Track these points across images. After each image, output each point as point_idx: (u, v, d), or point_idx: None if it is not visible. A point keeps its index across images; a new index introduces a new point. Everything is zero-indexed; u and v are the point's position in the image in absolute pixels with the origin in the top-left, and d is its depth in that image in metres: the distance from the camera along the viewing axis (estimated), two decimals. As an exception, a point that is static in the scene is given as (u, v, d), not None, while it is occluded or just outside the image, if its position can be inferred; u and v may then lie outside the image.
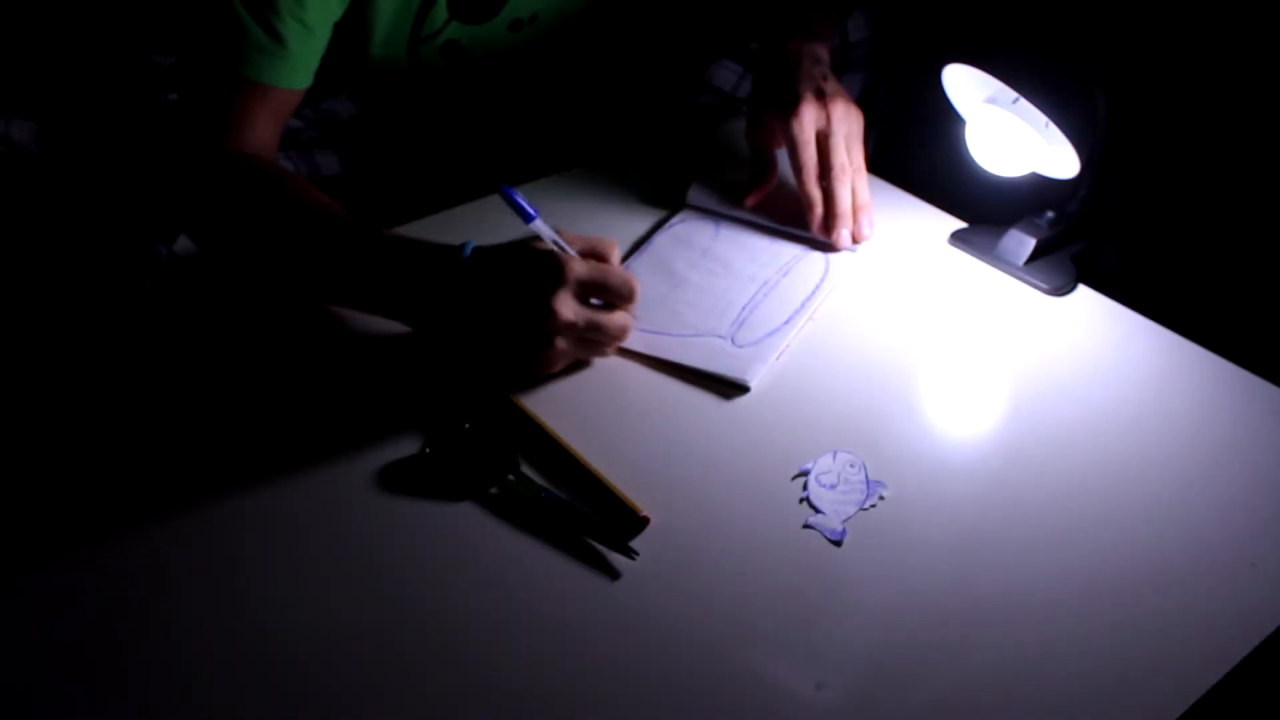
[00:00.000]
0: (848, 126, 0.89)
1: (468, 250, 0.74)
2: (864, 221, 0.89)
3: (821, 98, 0.89)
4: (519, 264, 0.73)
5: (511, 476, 0.68)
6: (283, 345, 0.79)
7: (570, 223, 0.79)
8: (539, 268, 0.72)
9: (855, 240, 0.89)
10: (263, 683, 0.57)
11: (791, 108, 0.88)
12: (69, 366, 0.77)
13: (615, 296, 0.75)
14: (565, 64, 1.11)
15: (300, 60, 0.82)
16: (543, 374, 0.75)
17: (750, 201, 0.93)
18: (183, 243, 0.91)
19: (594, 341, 0.75)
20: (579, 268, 0.72)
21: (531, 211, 0.76)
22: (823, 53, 0.94)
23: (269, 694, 0.56)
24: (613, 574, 0.63)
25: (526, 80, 1.10)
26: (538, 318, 0.71)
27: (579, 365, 0.78)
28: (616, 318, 0.75)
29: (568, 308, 0.71)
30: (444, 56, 0.98)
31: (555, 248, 0.75)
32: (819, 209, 0.89)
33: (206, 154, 0.81)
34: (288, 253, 0.79)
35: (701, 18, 1.13)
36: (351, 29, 0.89)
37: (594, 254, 0.78)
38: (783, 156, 0.92)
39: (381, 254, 0.76)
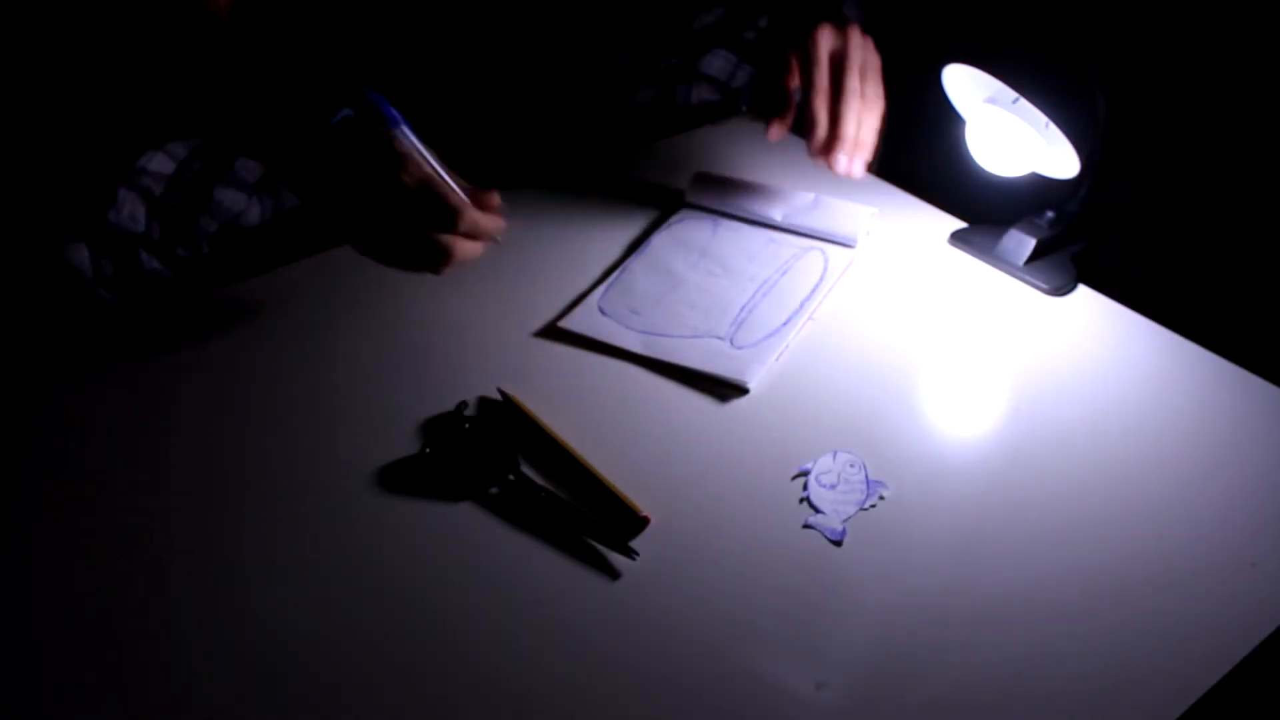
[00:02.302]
0: (864, 56, 0.87)
1: (336, 118, 0.73)
2: (858, 160, 0.87)
3: (840, 28, 0.87)
4: (366, 149, 0.72)
5: (511, 476, 0.68)
6: (283, 345, 0.79)
7: (570, 222, 0.79)
8: (382, 152, 0.72)
9: (848, 174, 0.87)
10: (263, 683, 0.57)
11: (808, 33, 0.86)
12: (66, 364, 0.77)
13: (447, 209, 0.73)
14: (562, 63, 1.11)
15: None
16: (396, 260, 0.74)
17: (773, 135, 0.91)
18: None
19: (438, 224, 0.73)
20: (421, 169, 0.72)
21: (396, 116, 0.76)
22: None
23: (269, 694, 0.56)
24: (613, 574, 0.63)
25: (525, 79, 1.10)
26: (370, 189, 0.71)
27: (576, 366, 0.78)
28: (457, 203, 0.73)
29: (398, 187, 0.71)
30: None
31: (421, 158, 0.75)
32: (823, 130, 0.86)
33: None
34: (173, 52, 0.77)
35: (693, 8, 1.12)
36: None
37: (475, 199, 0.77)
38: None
39: (249, 92, 0.75)
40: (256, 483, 0.68)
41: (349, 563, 0.63)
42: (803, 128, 0.88)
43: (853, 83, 0.86)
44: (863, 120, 0.86)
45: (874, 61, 0.88)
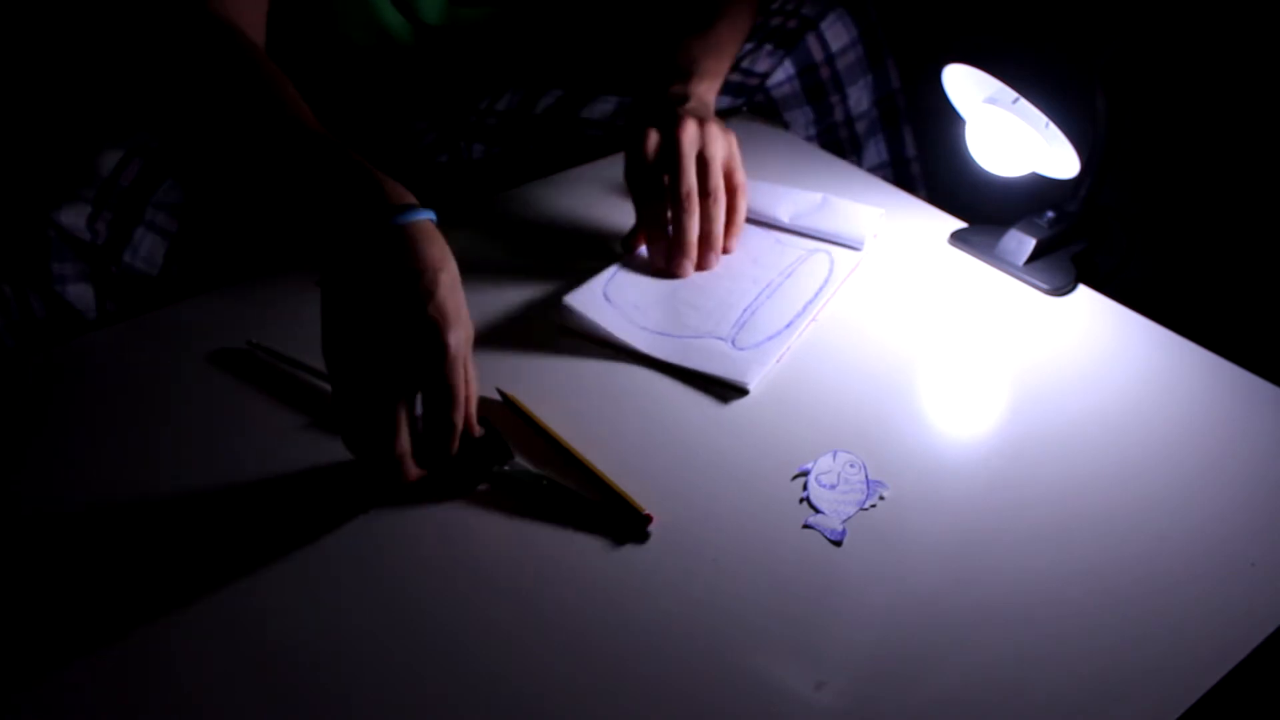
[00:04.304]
0: (724, 149, 0.85)
1: (405, 218, 0.62)
2: (710, 256, 0.86)
3: (700, 120, 0.85)
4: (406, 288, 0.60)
5: (506, 467, 0.68)
6: (281, 344, 0.79)
7: (571, 222, 0.79)
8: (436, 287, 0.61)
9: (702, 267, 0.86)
10: (263, 683, 0.57)
11: (673, 127, 0.84)
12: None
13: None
14: (559, 61, 1.11)
15: None
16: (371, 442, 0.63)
17: (636, 247, 0.89)
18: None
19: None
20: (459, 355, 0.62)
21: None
22: (707, 95, 0.91)
23: (269, 694, 0.56)
24: (613, 573, 0.63)
25: (524, 78, 1.10)
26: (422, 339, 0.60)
27: (576, 366, 0.77)
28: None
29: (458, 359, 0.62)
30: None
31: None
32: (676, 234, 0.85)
33: (187, 15, 0.74)
34: (232, 124, 0.71)
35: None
36: None
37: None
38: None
39: (313, 171, 0.65)
40: (256, 483, 0.68)
41: (348, 562, 0.63)
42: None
43: (713, 181, 0.84)
44: (715, 216, 0.85)
45: (729, 151, 0.86)
